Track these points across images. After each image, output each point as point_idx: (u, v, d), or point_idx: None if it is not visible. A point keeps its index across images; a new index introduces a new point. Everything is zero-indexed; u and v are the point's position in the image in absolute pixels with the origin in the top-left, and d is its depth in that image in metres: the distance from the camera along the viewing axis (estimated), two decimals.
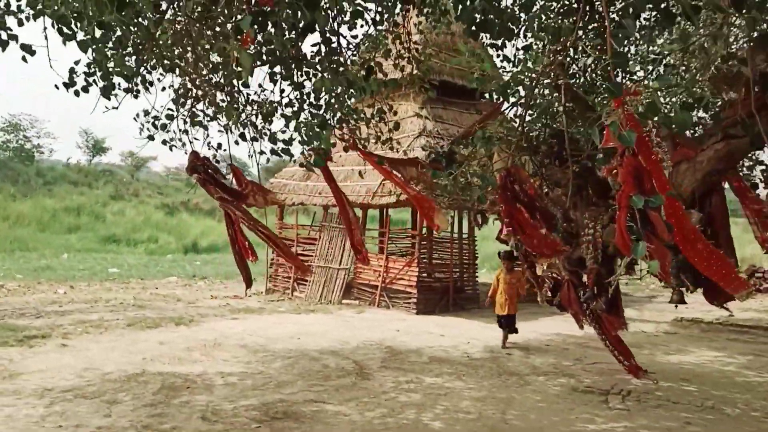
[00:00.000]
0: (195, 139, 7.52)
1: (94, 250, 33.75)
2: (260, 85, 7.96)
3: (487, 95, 16.93)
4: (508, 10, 5.06)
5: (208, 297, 16.68)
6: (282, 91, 7.23)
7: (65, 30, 5.43)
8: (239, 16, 5.09)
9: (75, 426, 6.34)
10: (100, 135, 62.85)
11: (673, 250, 5.14)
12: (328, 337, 11.43)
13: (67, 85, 6.16)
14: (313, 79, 6.65)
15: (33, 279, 19.79)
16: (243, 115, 7.89)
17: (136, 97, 6.96)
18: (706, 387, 8.47)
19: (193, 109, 7.69)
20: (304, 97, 7.40)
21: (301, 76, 6.92)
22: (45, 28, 5.51)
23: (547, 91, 7.29)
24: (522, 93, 6.86)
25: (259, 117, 7.98)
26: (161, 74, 7.26)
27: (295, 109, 7.38)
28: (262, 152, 8.08)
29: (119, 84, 6.46)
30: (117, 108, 6.61)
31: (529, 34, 6.86)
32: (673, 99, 7.39)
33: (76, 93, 6.30)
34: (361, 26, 6.77)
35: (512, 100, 7.06)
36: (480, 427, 6.61)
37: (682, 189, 5.43)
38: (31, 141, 51.69)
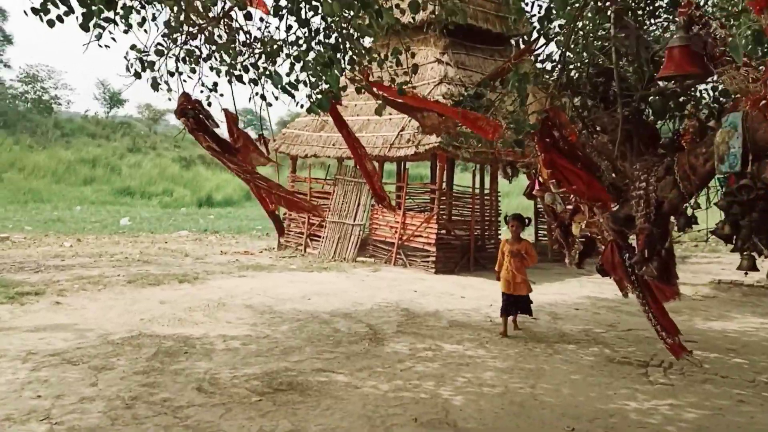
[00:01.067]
0: (188, 77, 6.67)
1: (108, 202, 33.34)
2: (262, 19, 7.04)
3: (514, 42, 15.82)
4: None
5: (218, 252, 16.05)
6: (288, 28, 6.36)
7: None
8: None
9: (56, 396, 5.69)
10: (117, 87, 62.13)
11: (748, 207, 4.29)
12: (340, 298, 10.74)
13: (37, 11, 5.32)
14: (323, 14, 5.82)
15: (42, 231, 19.29)
16: (243, 55, 7.02)
17: (126, 32, 6.10)
18: (756, 358, 7.65)
19: (187, 46, 6.82)
20: (312, 34, 6.52)
21: (310, 11, 6.05)
22: None
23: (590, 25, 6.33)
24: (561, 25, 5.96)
25: (262, 57, 7.09)
26: (158, 9, 6.40)
27: (303, 48, 6.50)
28: (263, 97, 7.32)
29: (100, 10, 5.58)
30: (109, 46, 5.84)
31: None
32: None
33: (50, 23, 5.45)
34: None
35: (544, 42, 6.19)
36: (507, 404, 5.87)
37: None
38: (48, 92, 51.15)
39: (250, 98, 8.11)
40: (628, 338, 8.51)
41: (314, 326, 8.72)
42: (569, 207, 6.29)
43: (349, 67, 6.89)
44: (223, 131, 7.58)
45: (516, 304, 8.78)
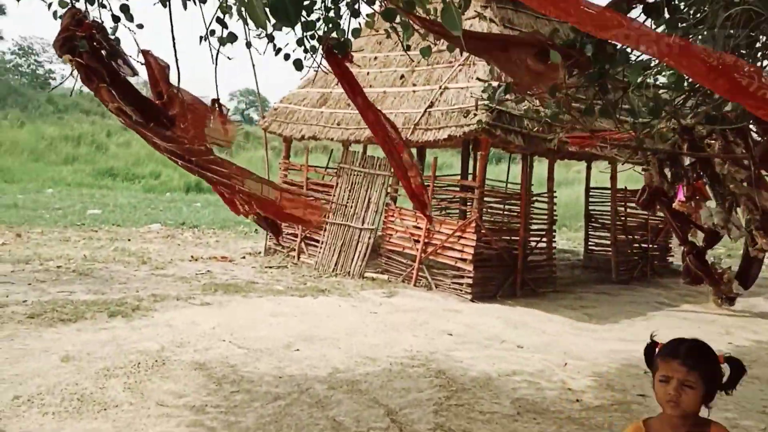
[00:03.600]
0: None
1: (86, 184, 29.85)
2: None
3: None
4: None
5: (188, 258, 12.54)
6: None
7: None
8: None
9: None
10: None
11: None
12: (343, 347, 7.25)
13: None
14: None
15: None
16: None
17: None
18: None
19: None
20: None
21: None
22: None
23: None
24: None
25: None
26: None
27: None
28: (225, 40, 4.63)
29: None
30: None
31: None
32: None
33: None
34: None
35: None
36: None
37: None
38: (43, 66, 48.49)
39: (203, 37, 4.87)
40: None
41: (299, 413, 5.24)
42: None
43: None
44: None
45: None
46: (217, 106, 5.99)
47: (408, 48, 5.51)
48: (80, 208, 20.66)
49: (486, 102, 9.58)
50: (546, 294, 10.83)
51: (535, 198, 11.16)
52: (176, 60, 5.45)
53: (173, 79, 4.50)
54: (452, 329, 8.35)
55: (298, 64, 5.35)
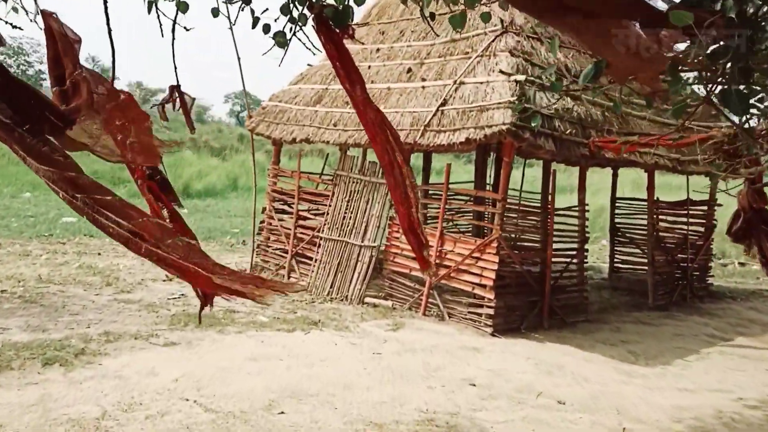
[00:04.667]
0: None
1: None
2: None
3: None
4: None
5: (162, 276, 10.91)
6: None
7: None
8: None
9: None
10: (107, 63, 57.42)
11: None
12: (340, 405, 5.66)
13: None
14: None
15: None
16: None
17: None
18: None
19: None
20: None
21: None
22: None
23: None
24: None
25: None
26: None
27: None
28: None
29: None
30: None
31: None
32: None
33: None
34: None
35: None
36: None
37: None
38: (33, 66, 47.23)
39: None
40: None
41: None
42: None
43: None
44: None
45: None
46: (176, 95, 4.46)
47: (432, 17, 4.02)
48: (54, 215, 19.00)
49: (527, 93, 8.02)
50: (577, 324, 9.25)
51: (565, 211, 9.57)
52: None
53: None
54: (474, 377, 6.76)
55: (280, 39, 3.88)
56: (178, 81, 4.34)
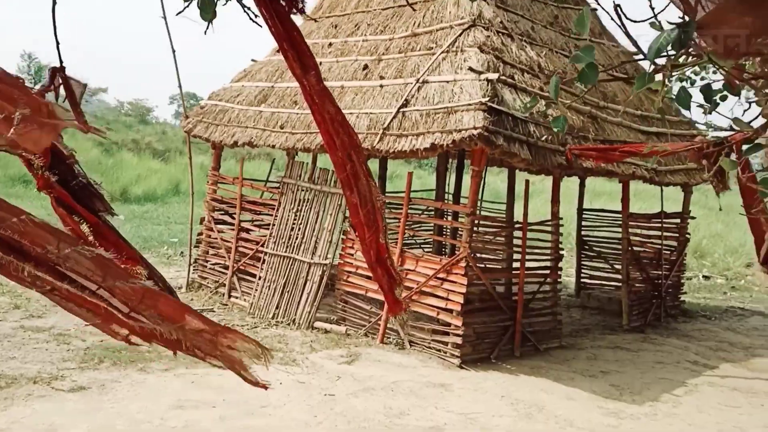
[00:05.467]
0: None
1: None
2: None
3: None
4: None
5: None
6: None
7: None
8: None
9: None
10: (45, 60, 54.64)
11: None
12: None
13: None
14: None
15: None
16: None
17: None
18: None
19: None
20: None
21: None
22: None
23: None
24: None
25: None
26: None
27: None
28: None
29: None
30: None
31: None
32: None
33: None
34: None
35: None
36: None
37: None
38: None
39: None
40: None
41: None
42: None
43: None
44: None
45: None
46: (58, 81, 3.28)
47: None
48: None
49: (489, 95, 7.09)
50: (551, 351, 8.34)
51: (539, 226, 8.66)
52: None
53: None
54: (444, 424, 5.75)
55: (206, 6, 2.86)
56: (61, 62, 3.19)
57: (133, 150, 38.53)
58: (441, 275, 7.69)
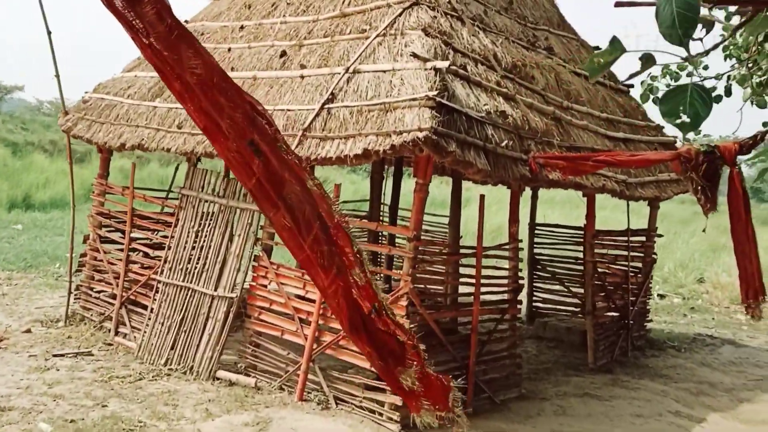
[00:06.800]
0: None
1: None
2: None
3: None
4: None
5: None
6: None
7: None
8: None
9: None
10: None
11: None
12: None
13: None
14: None
15: None
16: None
17: None
18: None
19: None
20: None
21: None
22: None
23: None
24: None
25: None
26: None
27: None
28: None
29: None
30: None
31: None
32: None
33: None
34: None
35: None
36: None
37: None
38: None
39: None
40: None
41: None
42: None
43: None
44: None
45: None
46: None
47: None
48: None
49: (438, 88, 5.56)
50: (510, 404, 6.82)
51: (495, 251, 7.13)
52: None
53: None
54: None
55: None
56: None
57: (50, 151, 35.64)
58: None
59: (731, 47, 7.10)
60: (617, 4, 3.07)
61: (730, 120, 6.60)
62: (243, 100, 1.75)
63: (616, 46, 2.09)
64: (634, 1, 2.85)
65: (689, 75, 7.73)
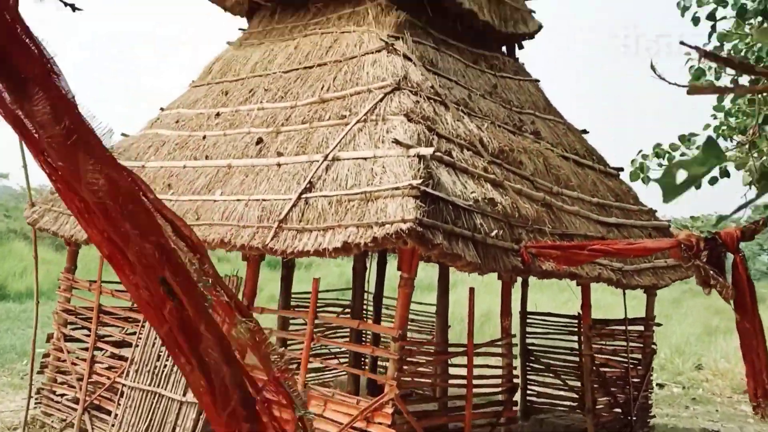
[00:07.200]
0: None
1: None
2: None
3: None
4: None
5: None
6: None
7: None
8: None
9: None
10: None
11: None
12: None
13: None
14: None
15: None
16: None
17: None
18: None
19: None
20: None
21: None
22: None
23: None
24: None
25: None
26: None
27: None
28: None
29: None
30: None
31: None
32: None
33: None
34: None
35: None
36: None
37: None
38: None
39: None
40: None
41: None
42: None
43: None
44: None
45: None
46: None
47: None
48: None
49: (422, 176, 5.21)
50: None
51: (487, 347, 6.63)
52: None
53: None
54: None
55: None
56: None
57: (24, 240, 35.03)
58: (359, 424, 5.49)
59: (724, 128, 6.86)
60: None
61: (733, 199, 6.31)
62: (155, 226, 1.36)
63: (712, 152, 1.32)
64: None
65: (682, 155, 7.47)
